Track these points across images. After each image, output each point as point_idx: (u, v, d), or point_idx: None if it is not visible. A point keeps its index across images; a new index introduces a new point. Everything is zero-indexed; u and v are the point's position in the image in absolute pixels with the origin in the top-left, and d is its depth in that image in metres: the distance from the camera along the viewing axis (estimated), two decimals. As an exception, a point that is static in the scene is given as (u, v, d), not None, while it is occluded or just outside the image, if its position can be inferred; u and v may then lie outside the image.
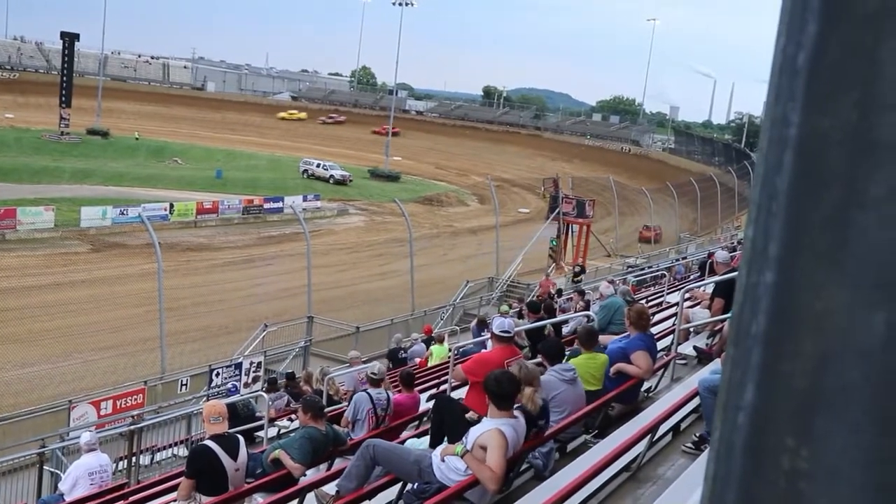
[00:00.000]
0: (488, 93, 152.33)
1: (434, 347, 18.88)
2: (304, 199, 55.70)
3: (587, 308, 16.74)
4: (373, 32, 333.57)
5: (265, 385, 18.39)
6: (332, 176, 70.84)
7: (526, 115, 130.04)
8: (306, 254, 25.06)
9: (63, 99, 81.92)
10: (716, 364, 10.17)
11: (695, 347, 11.88)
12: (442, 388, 13.11)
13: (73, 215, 42.41)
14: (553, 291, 25.71)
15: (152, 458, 15.73)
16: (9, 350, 24.36)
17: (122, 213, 43.72)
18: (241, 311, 29.88)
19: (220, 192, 57.12)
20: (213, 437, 8.11)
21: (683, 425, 8.47)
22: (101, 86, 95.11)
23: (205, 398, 17.68)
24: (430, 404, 11.70)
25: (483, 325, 17.84)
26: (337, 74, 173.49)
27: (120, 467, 14.56)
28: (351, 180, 71.45)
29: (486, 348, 12.81)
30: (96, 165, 65.38)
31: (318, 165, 72.94)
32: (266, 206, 52.87)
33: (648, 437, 7.20)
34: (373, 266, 40.79)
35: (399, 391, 11.74)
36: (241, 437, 8.45)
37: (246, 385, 19.25)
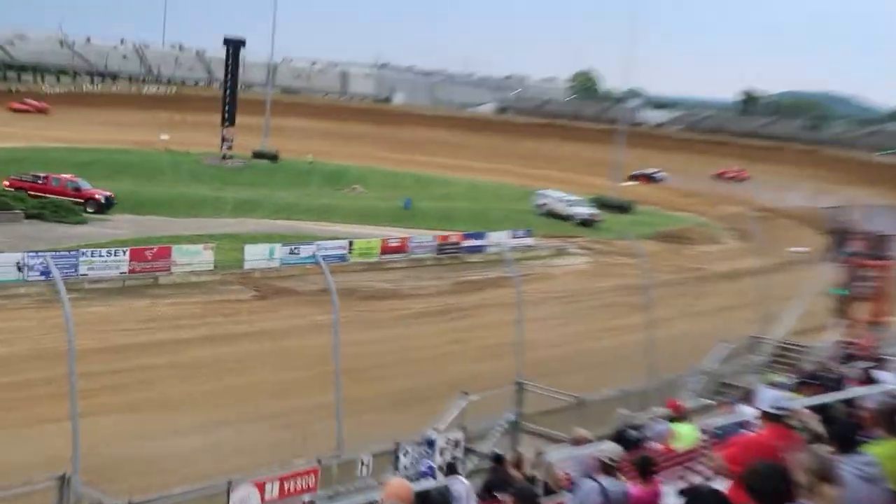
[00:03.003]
0: (749, 98, 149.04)
1: (680, 427, 18.35)
2: (513, 236, 56.13)
3: (868, 380, 15.86)
4: (596, 28, 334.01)
5: (447, 469, 18.40)
6: (573, 214, 69.89)
7: (797, 126, 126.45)
8: (516, 304, 25.07)
9: (226, 116, 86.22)
10: None
11: None
12: (691, 480, 12.71)
13: (236, 255, 44.38)
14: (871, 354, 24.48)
15: (326, 554, 16.00)
16: (157, 416, 25.55)
17: (293, 253, 45.46)
18: (434, 375, 30.18)
19: (408, 227, 58.43)
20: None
21: None
22: (270, 99, 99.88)
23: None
24: (678, 502, 11.33)
25: (748, 399, 17.24)
26: (551, 79, 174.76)
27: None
28: (599, 220, 70.37)
29: (748, 430, 12.31)
30: (263, 195, 68.42)
31: (558, 200, 72.44)
32: (465, 243, 53.73)
33: None
34: (599, 320, 40.40)
35: (633, 482, 11.45)
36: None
37: (441, 468, 19.37)
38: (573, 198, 73.21)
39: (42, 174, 56.40)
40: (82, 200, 54.86)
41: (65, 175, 57.13)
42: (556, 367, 31.03)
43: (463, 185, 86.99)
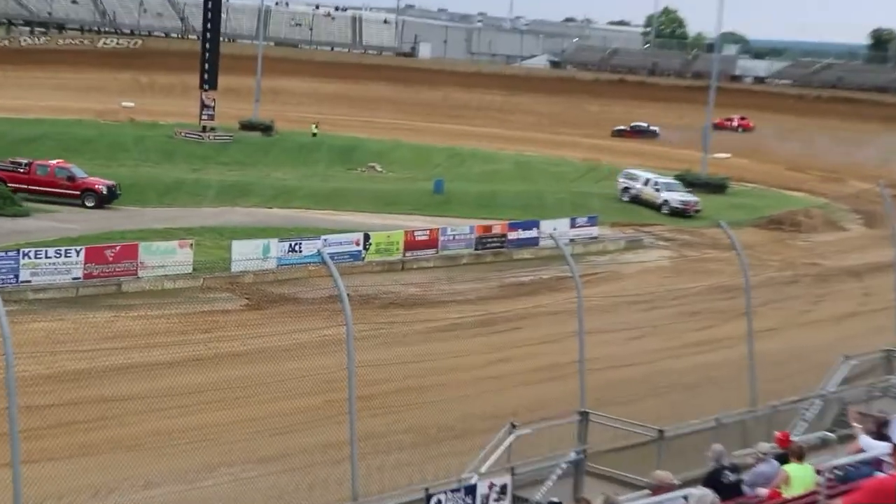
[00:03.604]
0: (879, 41, 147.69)
1: (792, 467, 18.30)
2: (573, 225, 55.99)
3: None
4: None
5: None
6: (665, 202, 68.50)
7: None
8: (577, 312, 25.02)
9: (205, 77, 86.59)
10: None
11: None
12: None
13: (221, 253, 44.80)
14: None
15: None
16: (126, 461, 25.62)
17: (294, 250, 45.66)
18: (473, 403, 30.21)
19: (440, 216, 58.47)
20: None
21: None
22: (262, 55, 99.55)
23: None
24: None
25: (879, 431, 17.17)
26: (622, 23, 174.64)
27: None
28: (697, 210, 68.52)
29: (879, 471, 12.24)
30: (254, 177, 68.81)
31: (646, 182, 71.02)
32: (512, 235, 53.86)
33: None
34: (684, 331, 40.32)
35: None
36: None
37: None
38: (665, 180, 71.65)
39: (24, 160, 56.52)
40: (78, 192, 55.15)
41: (54, 161, 57.21)
42: (629, 391, 31.00)
43: (509, 160, 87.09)
